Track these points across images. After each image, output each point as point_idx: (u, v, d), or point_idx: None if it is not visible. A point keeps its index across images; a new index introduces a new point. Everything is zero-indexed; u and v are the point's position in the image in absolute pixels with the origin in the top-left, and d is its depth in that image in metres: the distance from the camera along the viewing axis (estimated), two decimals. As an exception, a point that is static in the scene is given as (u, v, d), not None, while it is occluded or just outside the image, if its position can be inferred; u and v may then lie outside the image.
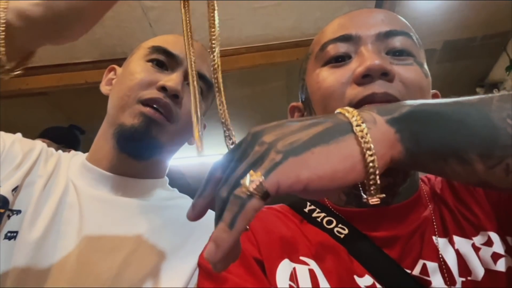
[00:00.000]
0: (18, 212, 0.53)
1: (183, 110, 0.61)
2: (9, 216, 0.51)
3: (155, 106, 0.59)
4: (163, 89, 0.59)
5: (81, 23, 0.38)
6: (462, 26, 2.05)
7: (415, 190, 0.53)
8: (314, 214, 0.54)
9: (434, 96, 0.56)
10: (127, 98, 0.60)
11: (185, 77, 0.61)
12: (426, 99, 0.50)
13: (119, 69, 0.70)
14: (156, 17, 2.00)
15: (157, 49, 0.64)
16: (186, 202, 0.69)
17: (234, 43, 2.16)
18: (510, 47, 2.15)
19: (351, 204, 0.52)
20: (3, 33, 0.36)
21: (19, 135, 0.65)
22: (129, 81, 0.61)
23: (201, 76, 0.64)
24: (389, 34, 0.50)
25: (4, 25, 0.36)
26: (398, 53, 0.50)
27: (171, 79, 0.60)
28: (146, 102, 0.59)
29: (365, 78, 0.47)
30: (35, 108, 2.60)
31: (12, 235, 0.51)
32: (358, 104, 0.46)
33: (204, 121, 0.70)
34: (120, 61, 0.74)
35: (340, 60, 0.50)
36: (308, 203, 0.56)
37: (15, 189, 0.54)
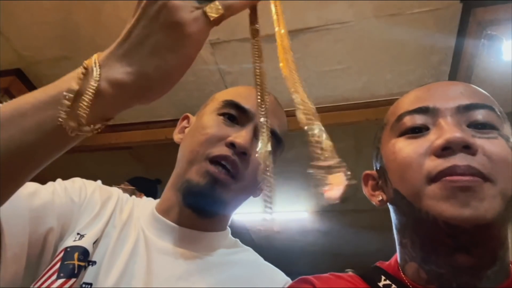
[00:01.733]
0: (94, 263, 0.54)
1: (250, 167, 0.60)
2: (85, 268, 0.53)
3: (222, 162, 0.59)
4: (232, 145, 0.59)
5: (168, 83, 0.39)
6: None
7: (506, 275, 0.47)
8: None
9: None
10: (196, 154, 0.61)
11: (255, 133, 0.60)
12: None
13: (192, 118, 0.72)
14: (232, 81, 2.16)
15: (230, 104, 0.64)
16: (249, 255, 0.68)
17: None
18: None
19: (433, 284, 0.48)
20: (90, 101, 0.37)
21: (99, 182, 0.68)
22: (200, 136, 0.62)
23: (272, 133, 0.62)
24: (469, 107, 0.48)
25: (92, 92, 0.37)
26: (480, 126, 0.47)
27: (241, 136, 0.59)
28: (214, 159, 0.59)
29: (445, 150, 0.45)
30: (119, 160, 2.86)
31: (86, 287, 0.52)
32: (437, 176, 0.44)
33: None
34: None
35: (417, 131, 0.49)
36: (383, 277, 0.52)
37: (96, 242, 0.56)
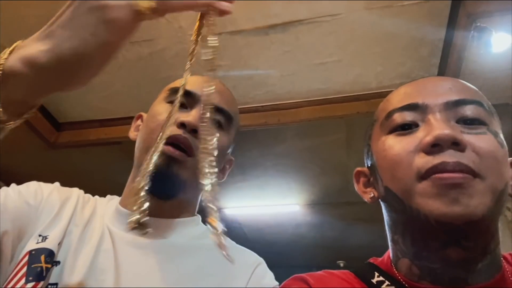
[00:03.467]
0: (58, 263, 0.54)
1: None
2: (50, 269, 0.53)
3: (175, 143, 0.60)
4: (182, 125, 0.61)
5: (87, 69, 0.38)
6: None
7: (497, 269, 0.47)
8: (383, 287, 0.50)
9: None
10: (150, 140, 0.62)
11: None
12: (503, 171, 0.46)
13: (145, 115, 0.74)
14: (223, 74, 2.14)
15: (176, 90, 0.64)
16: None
17: (294, 96, 2.22)
18: None
19: (425, 280, 0.48)
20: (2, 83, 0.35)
21: (57, 184, 0.68)
22: (152, 123, 0.64)
23: (218, 109, 0.65)
24: (458, 103, 0.48)
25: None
26: (469, 122, 0.48)
27: (190, 115, 0.61)
28: (167, 141, 0.60)
29: (434, 147, 0.45)
30: (109, 155, 2.82)
31: (52, 287, 0.52)
32: (427, 173, 0.44)
33: (230, 157, 0.72)
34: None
35: (406, 128, 0.49)
36: (377, 274, 0.52)
37: (60, 242, 0.56)
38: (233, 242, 0.68)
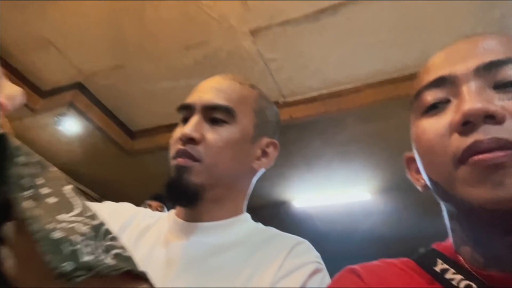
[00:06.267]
0: None
1: (208, 146, 0.64)
2: None
3: (179, 155, 0.64)
4: (180, 139, 0.64)
5: None
6: None
7: None
8: (448, 276, 0.45)
9: None
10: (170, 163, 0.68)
11: (207, 118, 0.65)
12: None
13: None
14: (277, 67, 2.13)
15: (180, 108, 0.70)
16: (262, 232, 0.68)
17: (353, 81, 2.14)
18: None
19: (492, 267, 0.43)
20: None
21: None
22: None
23: (212, 108, 0.66)
24: (491, 66, 0.42)
25: None
26: (506, 86, 0.41)
27: (185, 127, 0.64)
28: (172, 158, 0.65)
29: (466, 125, 0.40)
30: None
31: None
32: (463, 157, 0.39)
33: (268, 141, 0.71)
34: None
35: (437, 106, 0.44)
36: (440, 261, 0.47)
37: None
38: (274, 230, 0.69)
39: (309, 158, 2.85)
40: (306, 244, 0.63)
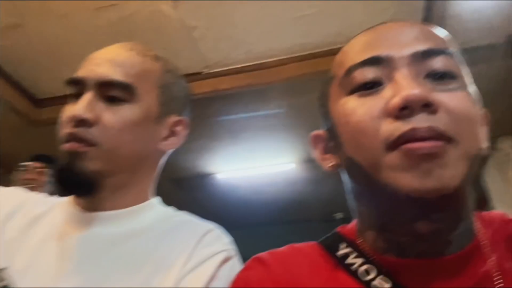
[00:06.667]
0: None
1: (103, 127, 0.56)
2: None
3: (70, 140, 0.56)
4: (72, 121, 0.56)
5: None
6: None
7: (471, 238, 0.44)
8: (349, 260, 0.46)
9: (483, 117, 0.46)
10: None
11: (101, 95, 0.57)
12: (477, 132, 0.41)
13: None
14: (200, 36, 2.03)
15: (68, 83, 0.60)
16: (171, 219, 0.62)
17: (277, 54, 2.13)
18: None
19: (392, 252, 0.44)
20: None
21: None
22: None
23: (108, 84, 0.57)
24: (427, 54, 0.42)
25: None
26: (439, 77, 0.42)
27: (75, 107, 0.56)
28: (64, 141, 0.57)
29: (403, 110, 0.39)
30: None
31: None
32: (396, 143, 0.39)
33: (177, 119, 0.65)
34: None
35: (369, 87, 0.43)
36: (342, 245, 0.48)
37: None
38: (185, 215, 0.64)
39: (234, 130, 2.84)
40: (216, 231, 0.59)
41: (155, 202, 0.65)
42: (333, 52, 2.03)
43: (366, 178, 0.42)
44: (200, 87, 2.25)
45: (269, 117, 2.71)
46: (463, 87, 0.43)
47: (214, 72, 2.27)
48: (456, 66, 0.43)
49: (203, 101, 2.36)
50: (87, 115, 0.55)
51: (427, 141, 0.38)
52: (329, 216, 4.64)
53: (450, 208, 0.41)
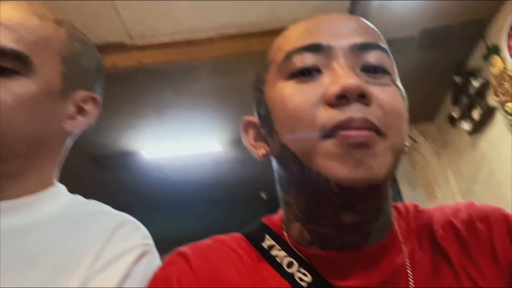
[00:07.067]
0: None
1: None
2: None
3: None
4: None
5: None
6: (440, 14, 2.01)
7: (388, 228, 0.46)
8: (274, 252, 0.46)
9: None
10: None
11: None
12: (403, 128, 0.44)
13: None
14: (124, 5, 1.88)
15: None
16: (75, 209, 0.55)
17: (207, 31, 2.07)
18: (487, 35, 2.14)
19: (315, 245, 0.45)
20: None
21: None
22: None
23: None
24: (364, 47, 0.44)
25: None
26: (372, 70, 0.43)
27: None
28: None
29: (340, 99, 0.40)
30: None
31: None
32: (332, 130, 0.39)
33: (86, 96, 0.57)
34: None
35: (307, 73, 0.43)
36: (268, 237, 0.48)
37: None
38: (95, 205, 0.57)
39: (160, 108, 2.72)
40: (131, 224, 0.54)
41: (60, 189, 0.57)
42: (264, 34, 2.03)
43: (299, 166, 0.42)
44: (123, 60, 2.10)
45: (196, 95, 2.64)
46: (394, 82, 0.44)
47: (138, 44, 2.13)
48: (389, 61, 0.45)
49: (126, 75, 2.22)
50: None
51: (361, 130, 0.39)
52: (255, 195, 4.77)
53: (375, 198, 0.42)
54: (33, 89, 0.50)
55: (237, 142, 3.53)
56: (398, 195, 2.83)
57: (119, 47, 2.09)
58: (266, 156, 0.49)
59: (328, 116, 0.40)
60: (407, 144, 0.46)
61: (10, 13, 0.51)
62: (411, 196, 2.82)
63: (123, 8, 1.91)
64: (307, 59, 0.43)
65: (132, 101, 2.53)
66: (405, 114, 0.45)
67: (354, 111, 0.39)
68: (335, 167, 0.39)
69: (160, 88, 2.47)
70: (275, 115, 0.45)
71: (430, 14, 2.01)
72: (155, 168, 3.62)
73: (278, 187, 0.50)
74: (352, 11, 1.96)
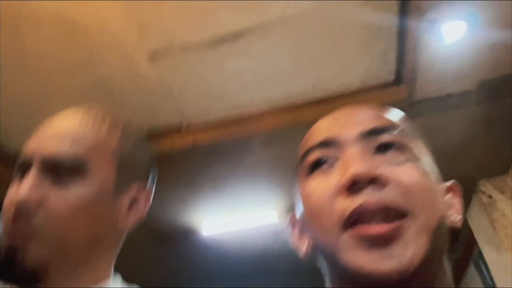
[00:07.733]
0: None
1: (49, 215, 0.49)
2: None
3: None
4: (14, 206, 0.49)
5: None
6: (497, 64, 1.94)
7: None
8: None
9: (451, 189, 0.48)
10: None
11: (46, 173, 0.50)
12: (433, 202, 0.41)
13: None
14: (179, 94, 2.04)
15: (17, 166, 0.54)
16: None
17: (257, 106, 2.16)
18: (552, 78, 1.99)
19: None
20: None
21: None
22: None
23: (51, 162, 0.51)
24: (373, 132, 0.44)
25: None
26: (384, 149, 0.43)
27: (18, 191, 0.50)
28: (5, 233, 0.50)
29: (352, 187, 0.40)
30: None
31: None
32: (349, 219, 0.39)
33: (138, 189, 0.59)
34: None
35: (322, 165, 0.45)
36: None
37: None
38: None
39: (216, 182, 2.78)
40: None
41: (116, 281, 0.57)
42: (311, 104, 2.07)
43: (330, 259, 0.41)
44: (180, 140, 2.23)
45: (250, 167, 2.68)
46: (413, 159, 0.43)
47: (193, 124, 2.26)
48: (405, 140, 0.45)
49: (183, 153, 2.33)
50: (30, 200, 0.49)
51: (380, 224, 0.37)
52: (317, 267, 4.49)
53: (418, 284, 0.38)
54: (89, 192, 0.51)
55: (293, 209, 3.44)
56: (483, 262, 2.51)
57: (176, 129, 2.24)
58: (308, 253, 0.48)
59: (344, 206, 0.39)
60: (453, 219, 0.44)
61: (69, 123, 0.55)
62: (497, 261, 2.49)
63: (179, 97, 2.08)
64: (318, 154, 0.45)
65: (189, 178, 2.62)
66: (432, 186, 0.43)
67: (367, 196, 0.39)
68: (359, 259, 0.37)
69: (215, 163, 2.55)
70: (305, 211, 0.46)
71: (487, 66, 1.94)
72: (214, 246, 3.60)
73: (326, 281, 0.47)
74: (399, 72, 1.95)
